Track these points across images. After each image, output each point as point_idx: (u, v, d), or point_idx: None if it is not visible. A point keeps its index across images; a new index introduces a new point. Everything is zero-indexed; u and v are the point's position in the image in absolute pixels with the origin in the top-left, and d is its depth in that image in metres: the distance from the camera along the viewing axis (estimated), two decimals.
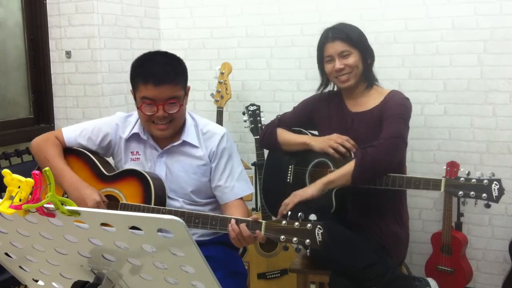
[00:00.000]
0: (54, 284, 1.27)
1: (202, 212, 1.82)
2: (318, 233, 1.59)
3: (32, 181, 1.05)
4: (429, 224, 3.14)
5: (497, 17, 2.91)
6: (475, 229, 3.09)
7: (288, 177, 2.48)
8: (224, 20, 3.49)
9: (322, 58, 2.37)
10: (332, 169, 2.27)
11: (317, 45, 2.40)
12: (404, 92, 3.15)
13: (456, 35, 3.00)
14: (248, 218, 1.72)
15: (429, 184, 2.03)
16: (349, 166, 2.14)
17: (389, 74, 3.07)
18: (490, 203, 1.85)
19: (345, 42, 2.29)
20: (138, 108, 1.94)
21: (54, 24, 3.18)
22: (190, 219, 1.78)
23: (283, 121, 2.56)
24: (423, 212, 3.18)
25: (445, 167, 2.92)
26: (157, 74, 1.87)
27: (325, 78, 2.43)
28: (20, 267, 1.27)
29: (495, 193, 1.83)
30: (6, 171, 1.06)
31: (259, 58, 3.43)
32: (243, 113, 3.18)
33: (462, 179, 1.93)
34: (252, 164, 3.11)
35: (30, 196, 1.05)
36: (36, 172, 1.05)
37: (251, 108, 3.12)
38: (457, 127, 3.07)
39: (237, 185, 2.03)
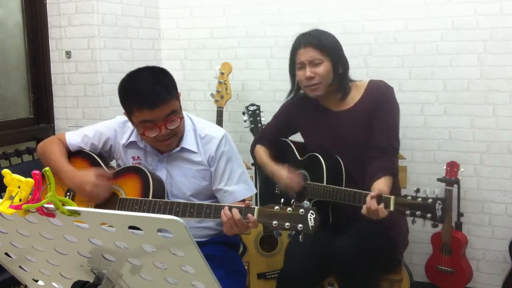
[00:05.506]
0: (54, 284, 1.27)
1: (196, 202, 1.83)
2: (310, 218, 1.59)
3: (32, 181, 1.05)
4: (429, 224, 3.14)
5: (497, 17, 2.91)
6: (475, 229, 3.09)
7: (277, 189, 2.46)
8: (224, 20, 3.49)
9: (294, 64, 2.29)
10: (309, 181, 2.24)
11: (290, 51, 2.32)
12: (404, 92, 3.16)
13: (456, 35, 3.00)
14: (241, 205, 1.72)
15: (381, 199, 1.90)
16: (388, 180, 2.11)
17: (389, 74, 3.07)
18: (436, 223, 1.77)
19: (317, 49, 2.20)
20: (141, 134, 1.94)
21: (54, 24, 3.19)
22: (185, 209, 1.79)
23: (264, 136, 2.55)
24: None
25: (445, 167, 2.92)
26: (149, 98, 1.84)
27: (296, 85, 2.34)
28: (20, 267, 1.27)
29: (439, 213, 1.75)
30: (6, 171, 1.06)
31: (259, 58, 3.43)
32: (243, 113, 3.19)
33: (409, 197, 1.82)
34: (252, 164, 3.11)
35: (30, 196, 1.05)
36: (36, 172, 1.05)
37: (251, 108, 3.12)
38: (457, 127, 3.07)
39: (237, 188, 2.02)
